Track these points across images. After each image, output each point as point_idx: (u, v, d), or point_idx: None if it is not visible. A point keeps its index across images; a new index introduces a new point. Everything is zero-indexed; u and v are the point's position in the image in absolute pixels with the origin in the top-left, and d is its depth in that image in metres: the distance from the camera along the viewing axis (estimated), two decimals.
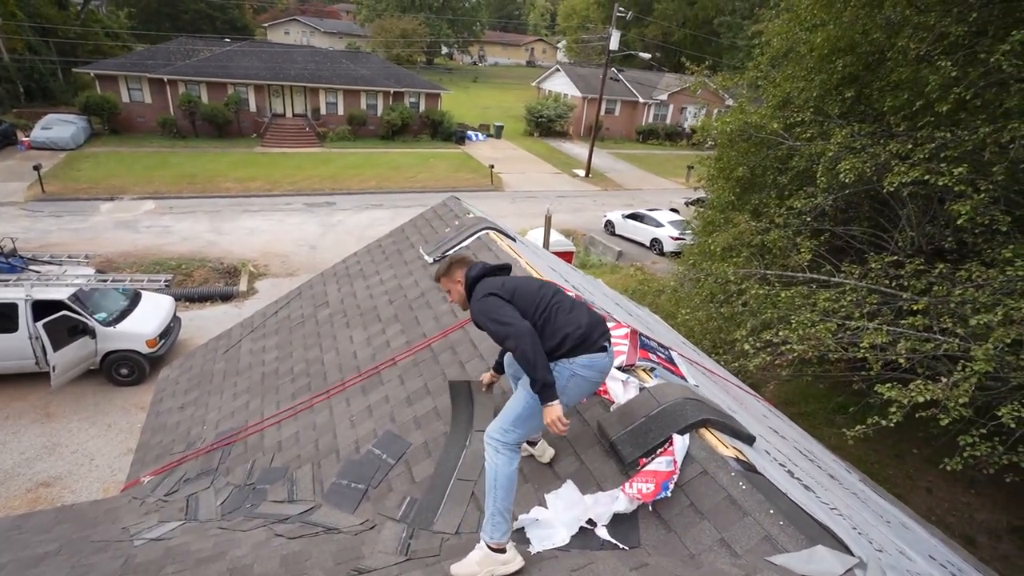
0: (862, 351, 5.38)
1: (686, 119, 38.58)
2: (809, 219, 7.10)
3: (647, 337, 2.99)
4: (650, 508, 2.01)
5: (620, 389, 2.52)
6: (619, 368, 2.63)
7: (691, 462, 2.11)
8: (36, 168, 18.67)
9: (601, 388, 2.55)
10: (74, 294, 9.11)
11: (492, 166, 24.27)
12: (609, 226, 19.89)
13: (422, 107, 31.29)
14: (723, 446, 2.17)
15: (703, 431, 2.25)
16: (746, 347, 6.18)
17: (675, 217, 19.09)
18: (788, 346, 5.72)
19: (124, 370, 9.59)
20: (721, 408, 2.51)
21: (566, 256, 13.65)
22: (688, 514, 1.96)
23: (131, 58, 28.40)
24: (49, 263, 10.24)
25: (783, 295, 6.53)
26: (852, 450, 8.00)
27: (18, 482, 7.70)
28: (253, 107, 28.60)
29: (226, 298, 13.05)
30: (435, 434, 2.84)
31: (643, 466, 2.16)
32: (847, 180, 6.26)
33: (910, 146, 5.76)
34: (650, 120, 37.85)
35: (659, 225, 18.50)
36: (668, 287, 9.29)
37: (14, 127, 24.10)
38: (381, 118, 29.95)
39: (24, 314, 8.77)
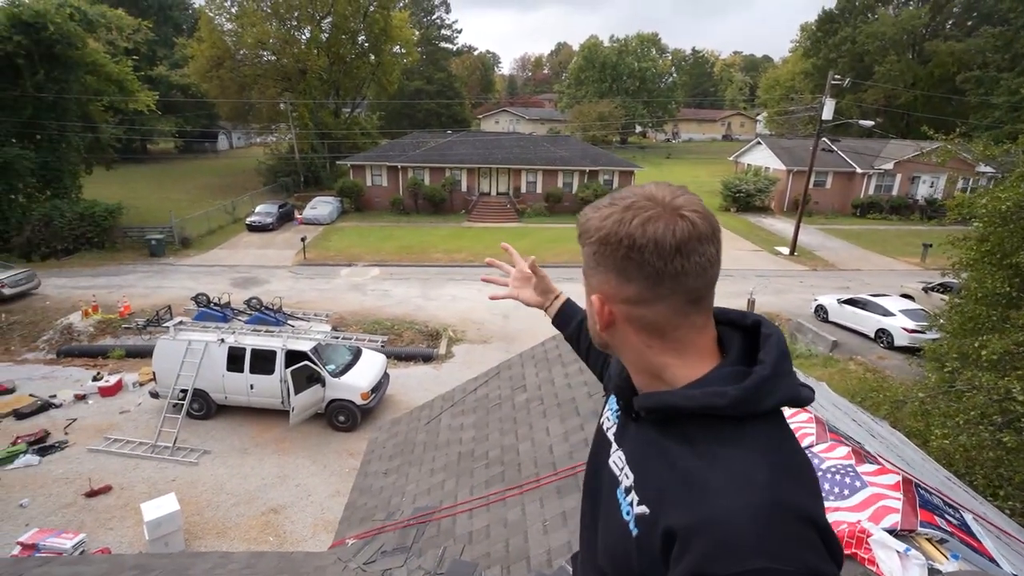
0: None
1: (918, 190, 33.18)
2: None
3: (928, 489, 2.29)
4: None
5: (896, 564, 1.91)
6: (892, 532, 2.01)
7: None
8: (303, 239, 23.41)
9: (866, 555, 1.97)
10: (314, 347, 10.81)
11: None
12: (820, 311, 17.45)
13: (615, 184, 32.14)
14: None
15: None
16: None
17: (909, 305, 15.98)
18: None
19: (342, 417, 10.92)
20: None
21: None
22: None
23: (376, 151, 34.77)
24: (301, 319, 12.41)
25: None
26: None
27: (256, 505, 9.06)
28: (464, 187, 32.46)
29: (427, 359, 14.31)
30: None
31: None
32: None
33: None
34: (870, 192, 33.36)
35: (888, 314, 15.63)
36: (913, 396, 7.53)
37: (294, 207, 30.85)
38: (576, 195, 31.47)
39: (279, 360, 10.65)
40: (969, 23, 45.85)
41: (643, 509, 0.92)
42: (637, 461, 0.99)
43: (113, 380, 12.35)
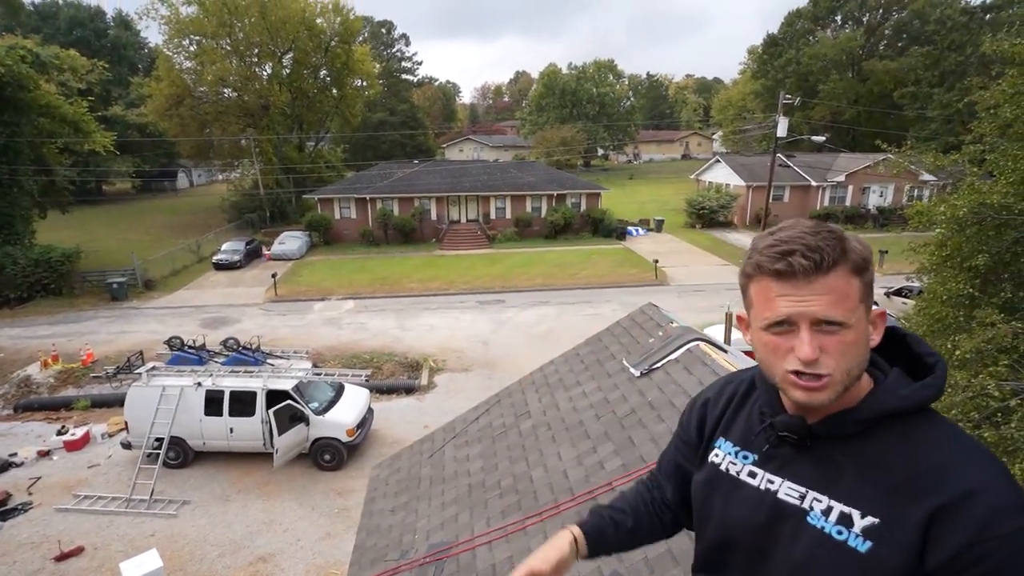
0: None
1: (869, 199, 34.98)
2: None
3: None
4: None
5: None
6: None
7: None
8: (273, 276, 22.95)
9: None
10: (296, 385, 10.53)
11: (656, 260, 23.96)
12: None
13: (583, 206, 32.75)
14: None
15: None
16: None
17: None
18: None
19: (327, 456, 10.60)
20: None
21: (751, 355, 12.46)
22: None
23: (343, 184, 34.64)
24: (280, 357, 12.09)
25: None
26: None
27: (243, 554, 8.64)
28: (434, 216, 32.51)
29: (409, 391, 14.08)
30: None
31: None
32: None
33: None
34: (825, 203, 34.96)
35: None
36: None
37: (261, 244, 30.28)
38: (545, 219, 31.90)
39: (260, 402, 10.32)
40: (900, 44, 49.07)
41: (871, 520, 0.94)
42: (829, 482, 1.00)
43: (80, 433, 11.73)
